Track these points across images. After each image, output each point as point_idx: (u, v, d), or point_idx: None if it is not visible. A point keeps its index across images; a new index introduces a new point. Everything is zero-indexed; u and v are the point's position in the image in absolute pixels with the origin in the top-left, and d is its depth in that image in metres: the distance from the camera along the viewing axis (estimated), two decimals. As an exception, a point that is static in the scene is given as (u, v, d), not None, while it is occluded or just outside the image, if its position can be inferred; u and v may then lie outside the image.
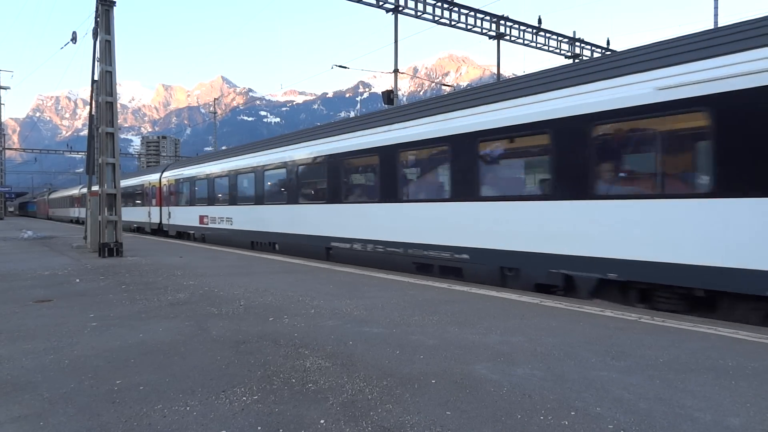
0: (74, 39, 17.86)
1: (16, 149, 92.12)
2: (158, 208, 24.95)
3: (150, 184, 26.36)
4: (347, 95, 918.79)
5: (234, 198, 17.35)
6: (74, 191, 49.17)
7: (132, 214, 28.70)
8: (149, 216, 26.29)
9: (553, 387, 3.76)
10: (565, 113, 7.59)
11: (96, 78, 15.18)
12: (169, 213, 23.34)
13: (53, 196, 66.73)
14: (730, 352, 4.57)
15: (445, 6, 25.20)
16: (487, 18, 26.86)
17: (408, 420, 3.22)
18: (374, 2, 23.24)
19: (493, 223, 8.57)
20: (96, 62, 14.96)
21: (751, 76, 5.89)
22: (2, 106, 54.99)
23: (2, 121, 56.66)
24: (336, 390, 3.74)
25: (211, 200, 19.07)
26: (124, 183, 29.99)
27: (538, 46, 28.97)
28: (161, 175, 24.92)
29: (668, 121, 6.59)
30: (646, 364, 4.25)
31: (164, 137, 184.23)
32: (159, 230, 25.26)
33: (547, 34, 29.03)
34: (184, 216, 21.60)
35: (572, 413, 3.30)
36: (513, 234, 8.26)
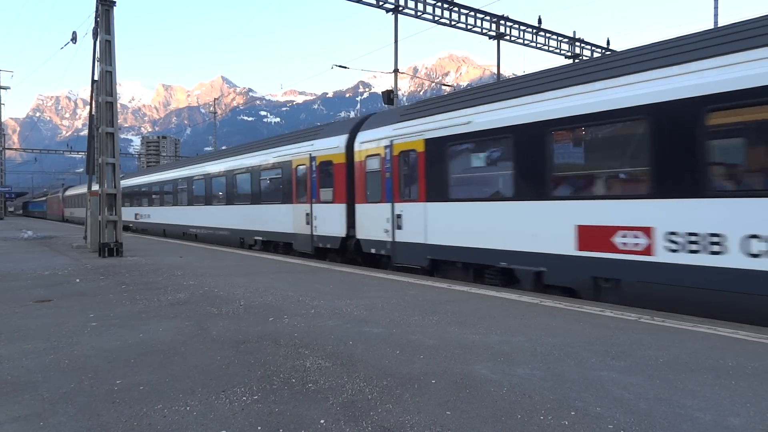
0: (74, 39, 17.87)
1: (16, 149, 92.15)
2: (341, 206, 12.57)
3: (317, 158, 13.37)
4: (347, 95, 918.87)
5: None
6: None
7: (251, 218, 16.53)
8: (307, 222, 13.68)
9: (553, 387, 3.76)
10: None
11: (96, 78, 15.19)
12: (398, 218, 10.77)
13: (71, 192, 52.71)
14: (730, 352, 4.57)
15: (445, 6, 25.19)
16: (487, 18, 26.84)
17: (408, 420, 3.22)
18: (374, 2, 23.23)
19: None
20: (96, 62, 14.97)
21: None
22: (2, 106, 55.06)
23: (2, 121, 56.66)
24: (336, 390, 3.74)
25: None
26: (225, 165, 18.67)
27: (538, 46, 28.95)
28: (352, 138, 12.45)
29: None
30: (646, 364, 4.25)
31: (164, 137, 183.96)
32: (342, 250, 12.78)
33: (547, 34, 29.02)
34: (480, 226, 9.10)
35: (572, 413, 3.30)
36: None
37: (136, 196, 30.23)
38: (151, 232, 27.00)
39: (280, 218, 14.91)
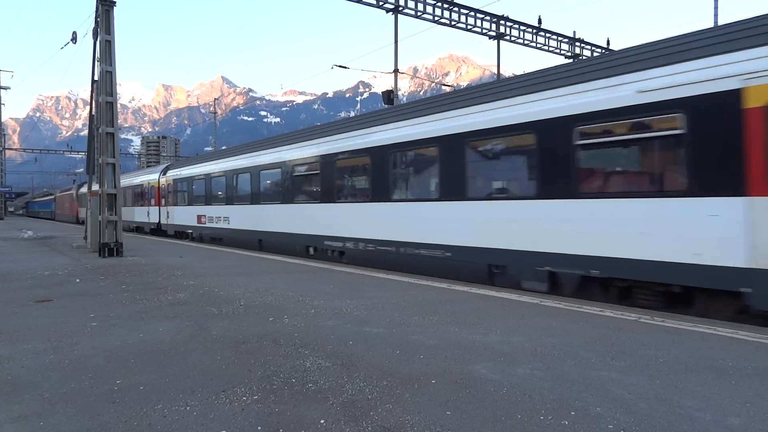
0: (74, 39, 17.88)
1: (16, 149, 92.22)
2: None
3: None
4: (347, 95, 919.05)
5: None
6: (145, 177, 27.90)
7: (545, 226, 7.86)
8: None
9: (553, 387, 3.76)
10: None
11: (96, 78, 15.19)
12: None
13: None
14: (730, 352, 4.57)
15: (445, 6, 25.21)
16: (487, 18, 26.87)
17: (408, 420, 3.22)
18: (374, 2, 23.24)
19: None
20: (96, 62, 14.97)
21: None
22: (2, 106, 55.19)
23: (2, 121, 56.74)
24: (336, 390, 3.74)
25: None
26: (434, 126, 9.90)
27: (538, 46, 28.98)
28: None
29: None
30: (646, 364, 4.25)
31: (164, 137, 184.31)
32: None
33: (547, 34, 29.05)
34: None
35: (572, 413, 3.30)
36: None
37: (197, 191, 20.50)
38: (230, 242, 17.52)
39: (672, 230, 6.47)
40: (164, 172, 24.95)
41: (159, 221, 24.75)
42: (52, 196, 67.24)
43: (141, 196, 27.59)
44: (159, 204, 24.70)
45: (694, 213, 6.25)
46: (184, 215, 21.78)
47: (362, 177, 11.88)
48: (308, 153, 13.67)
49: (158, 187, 24.88)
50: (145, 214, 26.66)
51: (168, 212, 23.65)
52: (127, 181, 29.37)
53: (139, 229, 28.27)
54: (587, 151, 7.45)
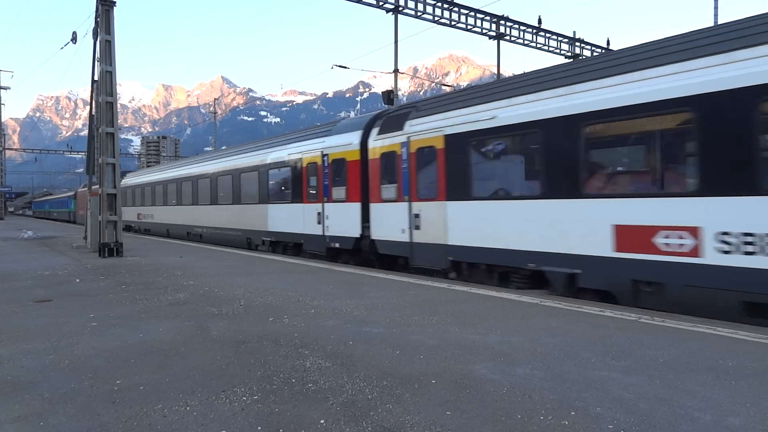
0: (74, 39, 17.88)
1: (16, 149, 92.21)
2: None
3: None
4: (347, 95, 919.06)
5: None
6: (312, 144, 13.55)
7: None
8: None
9: (553, 387, 3.76)
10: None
11: (96, 78, 15.19)
12: None
13: (131, 181, 30.58)
14: (730, 352, 4.57)
15: (445, 6, 25.21)
16: (487, 18, 26.86)
17: (408, 420, 3.22)
18: (374, 2, 23.23)
19: None
20: (96, 62, 14.98)
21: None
22: (2, 106, 55.17)
23: (2, 121, 56.74)
24: (336, 390, 3.74)
25: None
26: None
27: (538, 46, 28.97)
28: None
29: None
30: (646, 364, 4.25)
31: (164, 137, 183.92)
32: None
33: (547, 34, 29.04)
34: None
35: (572, 413, 3.30)
36: None
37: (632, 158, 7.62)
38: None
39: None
40: (383, 128, 11.39)
41: (362, 233, 11.93)
42: (72, 193, 52.90)
43: (292, 182, 14.35)
44: (363, 198, 11.92)
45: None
46: (506, 225, 8.53)
47: None
48: None
49: (360, 162, 11.94)
50: (310, 219, 13.54)
51: (415, 216, 10.31)
52: (250, 158, 16.72)
53: (276, 246, 15.33)
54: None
